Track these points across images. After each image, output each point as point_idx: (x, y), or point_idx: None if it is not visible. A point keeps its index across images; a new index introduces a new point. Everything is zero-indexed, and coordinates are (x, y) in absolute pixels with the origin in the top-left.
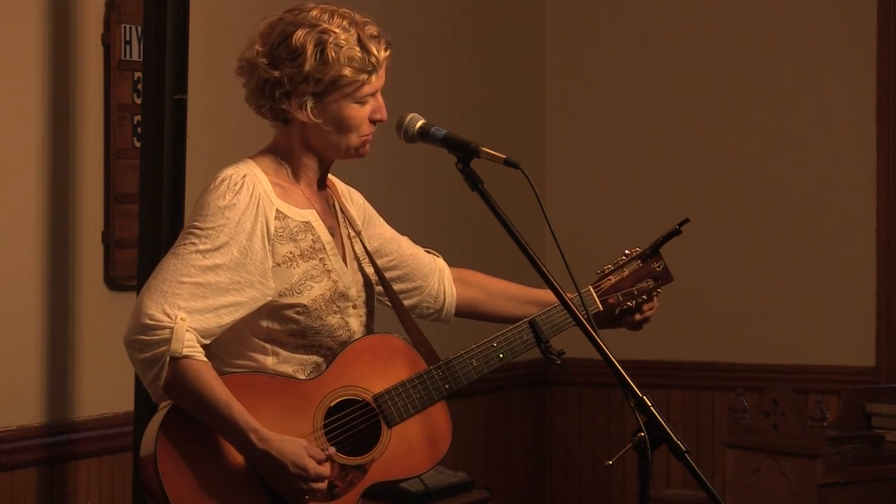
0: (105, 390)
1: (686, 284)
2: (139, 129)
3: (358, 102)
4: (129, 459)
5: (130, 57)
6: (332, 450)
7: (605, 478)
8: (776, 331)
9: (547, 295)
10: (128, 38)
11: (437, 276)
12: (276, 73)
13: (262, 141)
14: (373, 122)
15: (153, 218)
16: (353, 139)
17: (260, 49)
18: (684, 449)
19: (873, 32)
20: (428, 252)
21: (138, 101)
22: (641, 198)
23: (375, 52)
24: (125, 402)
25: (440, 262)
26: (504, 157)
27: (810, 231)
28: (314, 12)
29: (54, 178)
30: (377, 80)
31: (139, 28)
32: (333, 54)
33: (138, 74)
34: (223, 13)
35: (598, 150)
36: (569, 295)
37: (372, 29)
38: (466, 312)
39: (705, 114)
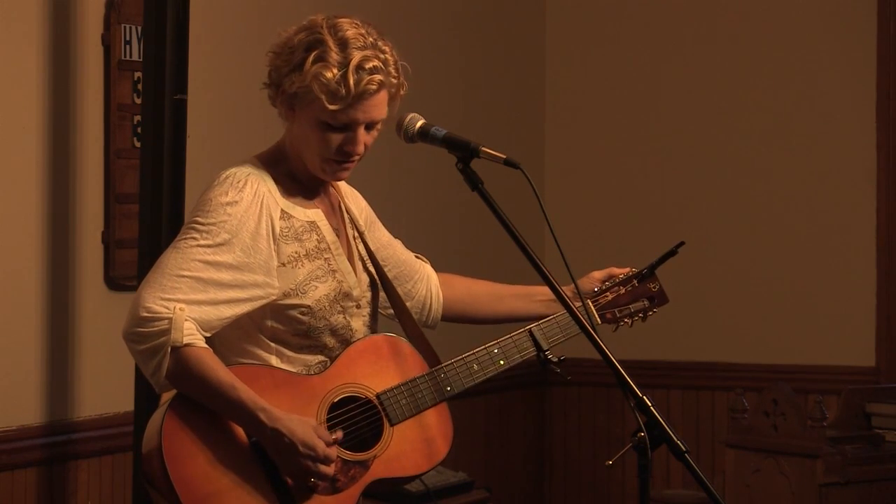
0: (105, 390)
1: (686, 285)
2: (139, 129)
3: (325, 125)
4: (129, 459)
5: (130, 57)
6: (340, 433)
7: (605, 478)
8: (776, 331)
9: (532, 288)
10: (128, 38)
11: (424, 282)
12: (272, 62)
13: (263, 141)
14: (344, 152)
15: (153, 218)
16: (317, 160)
17: (281, 38)
18: (684, 449)
19: (873, 32)
20: (417, 257)
21: (138, 101)
22: (641, 198)
23: (353, 84)
24: (125, 402)
25: (428, 268)
26: (504, 157)
27: (810, 231)
28: (337, 21)
29: (54, 178)
30: (353, 112)
31: (139, 28)
32: (309, 65)
33: (138, 74)
34: (223, 13)
35: (598, 150)
36: (567, 290)
37: (371, 62)
38: (452, 317)
39: (705, 114)
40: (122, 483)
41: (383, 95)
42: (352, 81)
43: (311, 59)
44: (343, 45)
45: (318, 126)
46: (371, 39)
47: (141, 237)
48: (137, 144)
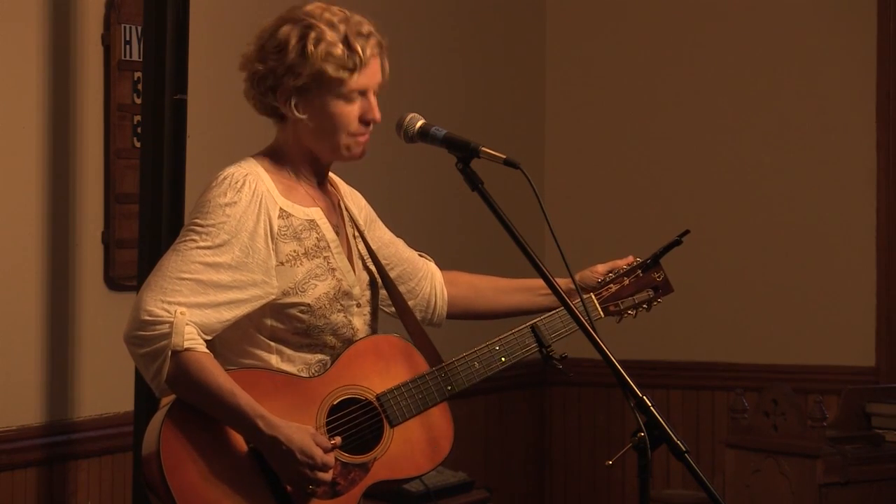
0: (105, 390)
1: (686, 285)
2: (139, 129)
3: (343, 99)
4: (129, 459)
5: (130, 57)
6: (339, 439)
7: (605, 478)
8: (776, 331)
9: (535, 282)
10: (128, 38)
11: (428, 280)
12: (262, 67)
13: (263, 141)
14: (365, 122)
15: (153, 218)
16: (342, 138)
17: (253, 43)
18: (684, 449)
19: (873, 32)
20: (420, 255)
21: (138, 101)
22: (641, 197)
23: (360, 50)
24: (125, 402)
25: (432, 266)
26: (504, 157)
27: (810, 231)
28: (308, 8)
29: (54, 178)
30: (364, 79)
31: (139, 28)
32: (312, 48)
33: (138, 74)
34: (223, 13)
35: (598, 150)
36: (564, 286)
37: (363, 27)
38: (457, 313)
39: (705, 114)
40: (122, 483)
41: (380, 57)
42: (358, 48)
43: (310, 43)
44: (330, 24)
45: (334, 106)
46: (346, 14)
47: (141, 237)
48: (137, 144)
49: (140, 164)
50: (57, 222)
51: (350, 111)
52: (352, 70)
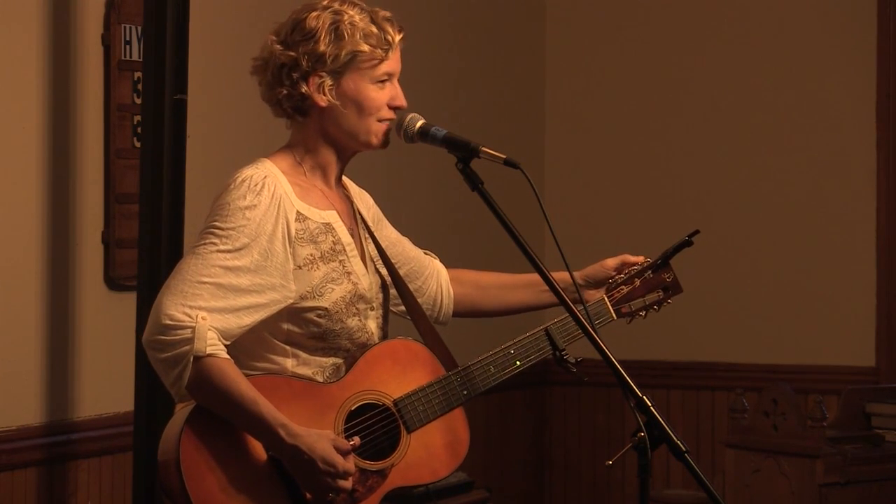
0: (105, 390)
1: (686, 285)
2: (139, 129)
3: (376, 83)
4: (129, 459)
5: (130, 57)
6: (357, 440)
7: (605, 478)
8: (776, 331)
9: (537, 277)
10: (128, 38)
11: (434, 278)
12: (292, 54)
13: (262, 140)
14: (392, 108)
15: (153, 218)
16: (373, 123)
17: (274, 38)
18: (684, 449)
19: (873, 32)
20: (426, 254)
21: (138, 101)
22: (641, 198)
23: (390, 31)
24: (125, 402)
25: (437, 264)
26: (504, 157)
27: (810, 231)
28: (325, 2)
29: (54, 178)
30: (394, 62)
31: (139, 28)
32: (349, 31)
33: (138, 74)
34: (223, 13)
35: (598, 150)
36: (564, 282)
37: (385, 13)
38: (463, 311)
39: (705, 114)
40: (122, 483)
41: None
42: (389, 29)
43: (345, 25)
44: (356, 9)
45: (367, 90)
46: (363, 3)
47: (141, 237)
48: (137, 144)
49: (140, 164)
50: (57, 222)
51: (381, 96)
52: (386, 50)
